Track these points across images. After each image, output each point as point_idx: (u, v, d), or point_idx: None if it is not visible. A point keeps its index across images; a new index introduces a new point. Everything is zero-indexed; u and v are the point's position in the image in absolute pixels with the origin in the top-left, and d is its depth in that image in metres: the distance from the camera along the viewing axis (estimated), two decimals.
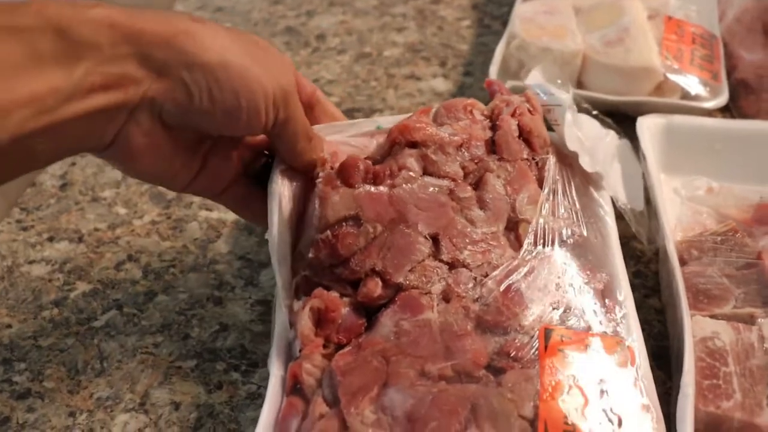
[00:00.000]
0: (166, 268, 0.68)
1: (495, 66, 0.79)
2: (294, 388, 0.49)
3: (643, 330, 0.59)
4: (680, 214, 0.66)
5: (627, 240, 0.64)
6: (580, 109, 0.69)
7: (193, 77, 0.43)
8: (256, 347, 0.61)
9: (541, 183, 0.57)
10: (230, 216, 0.73)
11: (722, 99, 0.75)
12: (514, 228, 0.55)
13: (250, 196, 0.56)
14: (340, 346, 0.50)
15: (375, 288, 0.51)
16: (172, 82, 0.43)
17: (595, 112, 0.70)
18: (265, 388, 0.49)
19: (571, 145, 0.59)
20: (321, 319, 0.51)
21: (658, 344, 0.59)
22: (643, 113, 0.70)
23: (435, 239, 0.53)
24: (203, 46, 0.43)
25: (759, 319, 0.53)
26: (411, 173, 0.54)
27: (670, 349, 0.58)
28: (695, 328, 0.53)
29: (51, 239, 0.72)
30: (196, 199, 0.75)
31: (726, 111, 0.80)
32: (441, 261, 0.52)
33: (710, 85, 0.77)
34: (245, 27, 1.03)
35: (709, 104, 0.75)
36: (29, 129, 0.37)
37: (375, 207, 0.52)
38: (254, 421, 0.55)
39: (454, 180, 0.55)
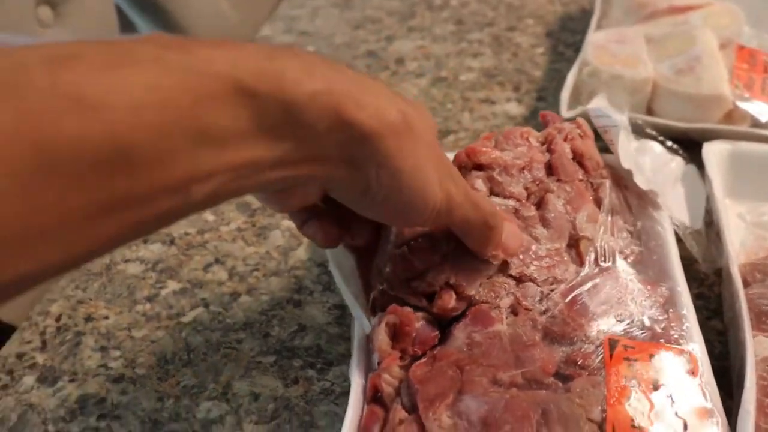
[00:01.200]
0: (250, 271, 0.73)
1: (567, 92, 0.82)
2: (374, 397, 0.52)
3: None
4: (744, 239, 0.68)
5: (689, 262, 0.66)
6: (646, 136, 0.72)
7: (379, 177, 0.42)
8: (331, 347, 0.65)
9: (598, 204, 0.60)
10: None
11: None
12: (575, 245, 0.59)
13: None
14: (415, 358, 0.54)
15: (449, 300, 0.55)
16: (357, 173, 0.41)
17: (660, 138, 0.73)
18: (339, 385, 0.54)
19: (626, 164, 0.62)
20: (397, 333, 0.54)
21: (719, 364, 0.60)
22: (711, 140, 0.72)
23: None
24: (402, 152, 0.41)
25: None
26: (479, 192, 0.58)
27: (731, 370, 0.60)
28: (757, 347, 0.54)
29: (145, 241, 0.78)
30: None
31: None
32: (509, 276, 0.56)
33: None
34: (328, 51, 1.09)
35: None
36: (216, 193, 0.36)
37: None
38: (326, 414, 0.60)
39: (518, 200, 0.59)
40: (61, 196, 0.28)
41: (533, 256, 0.57)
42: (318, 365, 0.64)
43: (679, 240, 0.62)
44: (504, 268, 0.56)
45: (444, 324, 0.55)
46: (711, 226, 0.65)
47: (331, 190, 0.44)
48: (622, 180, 0.64)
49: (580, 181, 0.61)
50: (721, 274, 0.65)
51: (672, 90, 0.79)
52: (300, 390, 0.62)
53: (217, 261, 0.75)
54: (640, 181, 0.62)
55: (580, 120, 0.63)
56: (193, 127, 0.32)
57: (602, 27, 0.95)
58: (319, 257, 0.74)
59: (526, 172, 0.60)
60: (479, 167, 0.60)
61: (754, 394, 0.50)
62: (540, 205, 0.59)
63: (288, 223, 0.78)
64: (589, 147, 0.62)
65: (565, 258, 0.57)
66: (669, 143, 0.73)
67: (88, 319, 0.70)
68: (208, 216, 0.81)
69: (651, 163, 0.68)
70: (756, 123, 0.78)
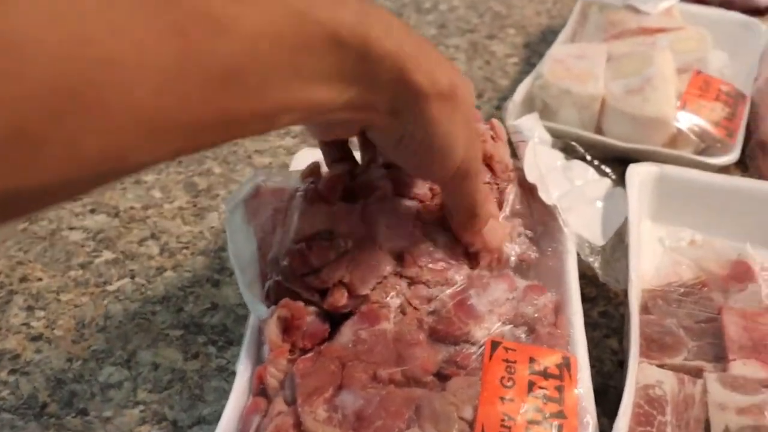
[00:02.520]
0: (180, 249, 0.76)
1: (516, 101, 0.83)
2: (259, 388, 0.54)
3: (594, 366, 0.62)
4: (660, 263, 0.68)
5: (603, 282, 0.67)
6: (575, 155, 0.73)
7: (415, 131, 0.46)
8: (236, 327, 0.67)
9: (501, 206, 0.61)
10: None
11: (732, 157, 0.76)
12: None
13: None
14: (304, 352, 0.55)
15: (341, 298, 0.56)
16: (399, 124, 0.46)
17: (589, 159, 0.73)
18: (234, 364, 0.55)
19: (530, 177, 0.62)
20: (287, 327, 0.56)
21: (604, 382, 0.61)
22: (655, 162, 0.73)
23: (400, 256, 0.58)
24: (440, 117, 0.45)
25: (706, 373, 0.54)
26: (384, 192, 0.59)
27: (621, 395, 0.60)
28: (640, 375, 0.54)
29: (93, 211, 0.81)
30: (222, 192, 0.82)
31: (745, 171, 0.80)
32: (402, 277, 0.57)
33: (724, 142, 0.78)
34: None
35: (718, 160, 0.76)
36: (291, 123, 0.41)
37: (348, 223, 0.58)
38: (215, 390, 0.62)
39: (422, 201, 0.60)
40: (184, 103, 0.32)
41: (429, 259, 0.58)
42: (219, 343, 0.66)
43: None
44: (400, 269, 0.57)
45: (337, 320, 0.56)
46: (621, 247, 0.65)
47: (371, 132, 0.48)
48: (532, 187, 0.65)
49: (486, 183, 0.62)
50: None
51: (618, 109, 0.79)
52: (197, 364, 0.64)
53: (152, 236, 0.77)
54: (544, 196, 0.62)
55: (494, 121, 0.64)
56: (295, 63, 0.37)
57: (575, 42, 0.96)
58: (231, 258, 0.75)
59: None
60: (387, 165, 0.61)
61: (627, 422, 0.51)
62: (442, 207, 0.60)
63: None
64: (499, 149, 0.63)
65: (461, 260, 0.58)
66: (597, 164, 0.73)
67: (23, 279, 0.73)
68: (156, 192, 0.83)
69: (572, 182, 0.69)
70: (698, 149, 0.78)
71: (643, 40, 0.89)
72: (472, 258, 0.59)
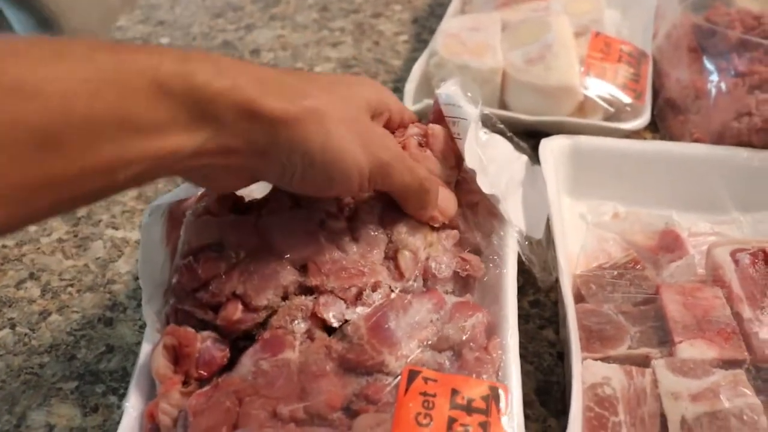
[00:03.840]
0: (65, 287, 0.67)
1: (412, 83, 0.77)
2: (151, 428, 0.47)
3: (533, 363, 0.58)
4: (585, 242, 0.64)
5: (530, 266, 0.62)
6: (495, 130, 0.68)
7: (291, 160, 0.44)
8: None
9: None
10: (134, 235, 0.72)
11: (643, 120, 0.73)
12: (393, 257, 0.53)
13: None
14: (203, 383, 0.49)
15: (234, 311, 0.50)
16: (271, 160, 0.44)
17: (509, 134, 0.68)
18: None
19: (470, 163, 0.56)
20: (178, 355, 0.50)
21: (546, 379, 0.57)
22: (565, 134, 0.68)
23: (304, 268, 0.52)
24: (307, 136, 0.44)
25: (653, 361, 0.51)
26: (280, 204, 0.53)
27: (565, 390, 0.56)
28: (585, 373, 0.50)
29: None
30: (104, 217, 0.74)
31: (655, 131, 0.78)
32: (307, 290, 0.51)
33: (633, 105, 0.75)
34: (184, 41, 1.02)
35: (630, 125, 0.73)
36: (140, 176, 0.40)
37: (239, 234, 0.52)
38: None
39: (327, 212, 0.53)
40: (1, 172, 0.33)
41: (337, 266, 0.52)
42: (121, 390, 0.59)
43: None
44: (303, 279, 0.51)
45: (240, 347, 0.50)
46: (546, 231, 0.61)
47: (254, 177, 0.47)
48: (475, 205, 0.59)
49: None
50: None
51: (521, 81, 0.75)
52: (99, 419, 0.57)
53: (31, 276, 0.69)
54: (483, 184, 0.56)
55: (432, 127, 0.58)
56: (118, 117, 0.36)
57: (466, 13, 0.91)
58: (138, 270, 0.68)
59: None
60: None
61: (579, 428, 0.46)
62: (351, 217, 0.55)
63: (111, 232, 0.72)
64: (428, 161, 0.57)
65: (379, 269, 0.53)
66: (516, 140, 0.68)
67: None
68: (30, 226, 0.74)
69: (498, 161, 0.63)
70: (609, 115, 0.75)
71: (536, 6, 0.85)
72: (395, 267, 0.53)
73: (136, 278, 0.67)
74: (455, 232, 0.56)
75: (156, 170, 0.41)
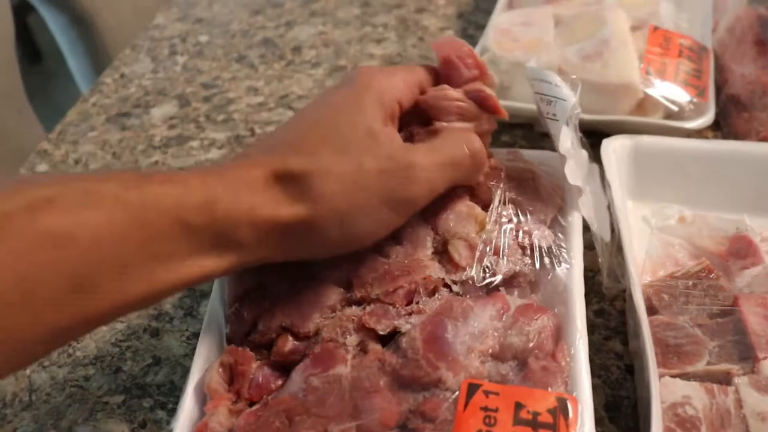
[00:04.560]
0: None
1: None
2: None
3: (600, 377, 0.55)
4: (650, 246, 0.61)
5: (592, 274, 0.59)
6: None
7: (316, 247, 0.47)
8: (185, 384, 0.58)
9: (485, 205, 0.53)
10: None
11: (707, 118, 0.69)
12: (444, 250, 0.51)
13: None
14: (252, 404, 0.47)
15: (285, 343, 0.48)
16: (299, 253, 0.47)
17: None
18: None
19: (563, 148, 0.53)
20: (233, 374, 0.48)
21: (615, 393, 0.54)
22: (624, 133, 0.65)
23: (348, 284, 0.50)
24: (324, 231, 0.45)
25: (735, 378, 0.47)
26: None
27: (637, 405, 0.53)
28: (664, 391, 0.47)
29: None
30: None
31: (717, 130, 0.74)
32: (353, 303, 0.49)
33: (696, 102, 0.71)
34: (223, 39, 1.00)
35: (693, 124, 0.69)
36: (166, 296, 0.43)
37: (277, 270, 0.50)
38: None
39: None
40: (37, 316, 0.36)
41: (380, 271, 0.50)
42: (169, 405, 0.57)
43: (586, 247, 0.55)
44: (349, 295, 0.50)
45: None
46: (613, 238, 0.58)
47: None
48: (531, 179, 0.56)
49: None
50: (625, 292, 0.58)
51: (577, 78, 0.71)
52: None
53: None
54: (571, 173, 0.53)
55: (494, 161, 0.56)
56: (146, 256, 0.39)
57: (514, 7, 0.88)
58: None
59: None
60: None
61: None
62: None
63: None
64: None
65: (426, 264, 0.50)
66: (579, 134, 0.65)
67: None
68: None
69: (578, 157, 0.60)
70: (670, 114, 0.71)
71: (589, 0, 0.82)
72: (448, 261, 0.51)
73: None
74: (513, 207, 0.53)
75: (195, 285, 0.45)
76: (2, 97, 1.06)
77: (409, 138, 0.52)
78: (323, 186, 0.45)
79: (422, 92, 0.53)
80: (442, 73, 0.54)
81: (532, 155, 0.59)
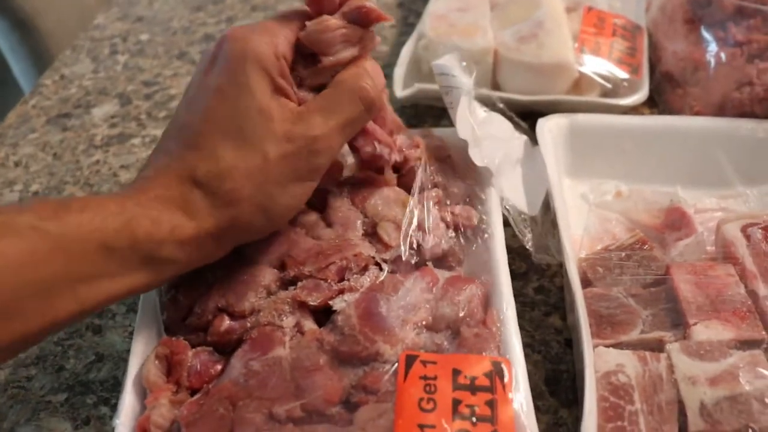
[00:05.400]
0: None
1: (401, 68, 0.75)
2: None
3: (540, 352, 0.56)
4: (588, 222, 0.61)
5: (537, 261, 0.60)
6: (496, 109, 0.66)
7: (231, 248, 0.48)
8: None
9: (407, 187, 0.55)
10: None
11: (641, 95, 0.71)
12: (373, 232, 0.53)
13: None
14: (194, 393, 0.47)
15: (221, 323, 0.49)
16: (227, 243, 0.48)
17: (509, 114, 0.66)
18: None
19: (462, 133, 0.55)
20: (170, 364, 0.48)
21: (555, 368, 0.55)
22: (561, 112, 0.66)
23: (282, 265, 0.51)
24: (248, 225, 0.47)
25: (667, 345, 0.48)
26: None
27: (575, 378, 0.53)
28: (598, 361, 0.47)
29: None
30: None
31: (654, 107, 0.75)
32: (288, 283, 0.50)
33: (630, 80, 0.72)
34: (164, 36, 0.99)
35: (628, 101, 0.70)
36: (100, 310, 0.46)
37: None
38: None
39: None
40: None
41: (312, 252, 0.51)
42: (113, 400, 0.56)
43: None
44: (282, 274, 0.50)
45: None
46: (549, 216, 0.59)
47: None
48: (448, 157, 0.58)
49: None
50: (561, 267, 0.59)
51: (513, 60, 0.72)
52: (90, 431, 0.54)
53: None
54: (475, 156, 0.55)
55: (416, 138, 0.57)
56: (71, 277, 0.40)
57: None
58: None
59: None
60: None
61: (595, 421, 0.44)
62: (322, 207, 0.54)
63: None
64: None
65: (357, 242, 0.51)
66: (516, 120, 0.66)
67: None
68: None
69: (494, 139, 0.61)
70: (605, 92, 0.72)
71: None
72: (378, 241, 0.52)
73: None
74: (436, 190, 0.55)
75: (125, 297, 0.45)
76: None
77: (299, 84, 0.50)
78: (236, 187, 0.45)
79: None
80: (312, 6, 0.51)
81: (446, 133, 0.60)
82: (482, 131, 0.58)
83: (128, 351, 0.58)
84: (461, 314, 0.48)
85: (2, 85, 1.39)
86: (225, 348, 0.49)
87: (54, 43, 1.27)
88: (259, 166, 0.46)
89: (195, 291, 0.50)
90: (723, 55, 0.72)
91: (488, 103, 0.66)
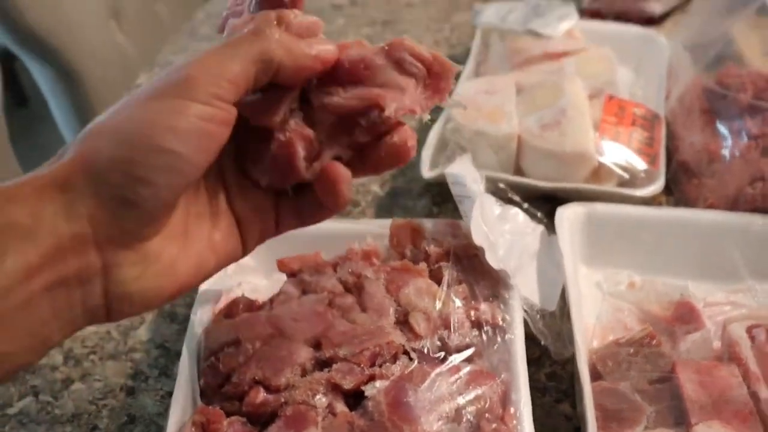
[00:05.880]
0: (87, 354, 0.68)
1: (429, 150, 0.78)
2: None
3: None
4: (601, 311, 0.64)
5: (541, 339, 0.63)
6: (509, 201, 0.69)
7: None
8: None
9: (438, 279, 0.58)
10: None
11: (657, 186, 0.74)
12: (404, 320, 0.56)
13: None
14: None
15: (256, 395, 0.52)
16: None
17: (525, 206, 0.70)
18: None
19: (478, 239, 0.59)
20: None
21: None
22: (580, 200, 0.69)
23: (317, 344, 0.54)
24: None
25: None
26: (288, 296, 0.58)
27: None
28: None
29: None
30: None
31: (670, 194, 0.78)
32: (322, 363, 0.53)
33: (648, 170, 0.75)
34: None
35: (644, 192, 0.73)
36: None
37: (253, 328, 0.55)
38: None
39: (333, 292, 0.57)
40: None
41: (348, 335, 0.54)
42: None
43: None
44: (317, 354, 0.54)
45: None
46: (564, 306, 0.62)
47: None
48: (474, 256, 0.61)
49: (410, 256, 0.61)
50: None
51: (536, 147, 0.75)
52: None
53: None
54: (492, 260, 0.59)
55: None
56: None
57: (480, 74, 0.92)
58: (159, 337, 0.69)
59: (340, 268, 0.60)
60: (292, 274, 0.61)
61: None
62: (359, 293, 0.58)
63: None
64: None
65: (389, 331, 0.55)
66: (532, 211, 0.70)
67: None
68: None
69: (511, 233, 0.64)
70: (623, 181, 0.75)
71: (549, 67, 0.86)
72: (409, 330, 0.55)
73: (158, 346, 0.68)
74: (463, 287, 0.59)
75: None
76: None
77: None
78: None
79: None
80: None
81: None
82: (498, 228, 0.61)
83: (159, 414, 0.63)
84: (481, 409, 0.51)
85: (45, 124, 1.45)
86: (258, 419, 0.52)
87: (96, 94, 1.32)
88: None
89: (234, 360, 0.53)
90: (737, 149, 0.75)
91: (504, 196, 0.70)
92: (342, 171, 0.45)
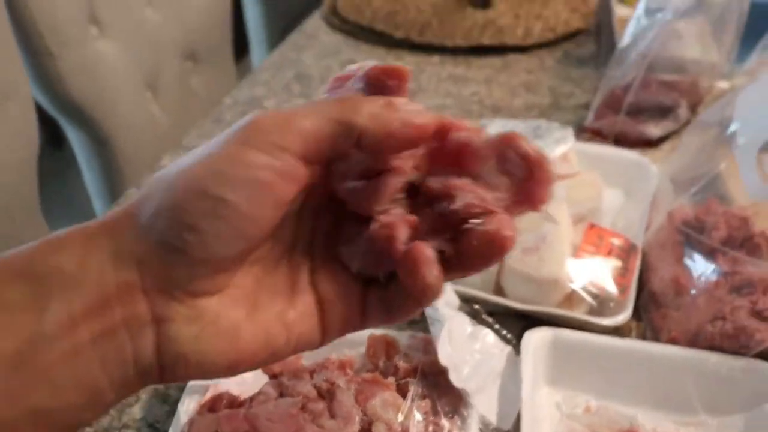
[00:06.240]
0: (83, 430, 0.75)
1: None
2: None
3: None
4: (557, 431, 0.70)
5: None
6: (482, 321, 0.75)
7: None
8: None
9: (404, 395, 0.64)
10: None
11: (624, 316, 0.78)
12: (368, 429, 0.62)
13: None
14: None
15: None
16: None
17: (496, 326, 0.76)
18: None
19: (443, 360, 0.65)
20: None
21: None
22: (551, 323, 0.75)
23: None
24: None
25: None
26: (267, 396, 0.64)
27: None
28: None
29: None
30: None
31: (639, 321, 0.83)
32: None
33: (617, 300, 0.81)
34: None
35: (610, 321, 0.78)
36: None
37: (231, 423, 0.61)
38: None
39: (307, 397, 0.62)
40: None
41: None
42: None
43: None
44: None
45: None
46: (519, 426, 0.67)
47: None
48: (440, 373, 0.67)
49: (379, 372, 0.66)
50: None
51: (515, 269, 0.81)
52: None
53: None
54: (455, 379, 0.65)
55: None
56: None
57: None
58: (151, 417, 0.75)
59: (316, 374, 0.64)
60: (273, 376, 0.67)
61: None
62: (330, 399, 0.63)
63: None
64: None
65: None
66: (503, 333, 0.76)
67: None
68: None
69: (480, 353, 0.71)
70: (592, 309, 0.81)
71: None
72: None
73: (149, 425, 0.74)
74: (427, 401, 0.65)
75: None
76: (18, 204, 1.17)
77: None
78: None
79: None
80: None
81: None
82: (469, 347, 0.67)
83: None
84: None
85: (75, 198, 1.53)
86: None
87: (127, 163, 1.41)
88: None
89: None
90: (706, 286, 0.80)
91: (477, 316, 0.76)
92: (425, 251, 0.40)
